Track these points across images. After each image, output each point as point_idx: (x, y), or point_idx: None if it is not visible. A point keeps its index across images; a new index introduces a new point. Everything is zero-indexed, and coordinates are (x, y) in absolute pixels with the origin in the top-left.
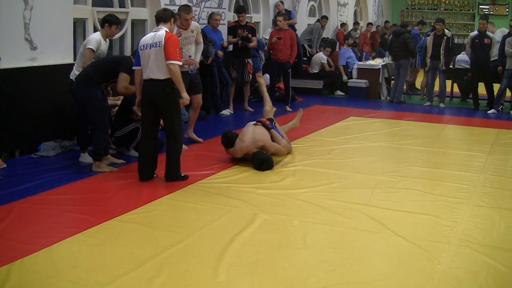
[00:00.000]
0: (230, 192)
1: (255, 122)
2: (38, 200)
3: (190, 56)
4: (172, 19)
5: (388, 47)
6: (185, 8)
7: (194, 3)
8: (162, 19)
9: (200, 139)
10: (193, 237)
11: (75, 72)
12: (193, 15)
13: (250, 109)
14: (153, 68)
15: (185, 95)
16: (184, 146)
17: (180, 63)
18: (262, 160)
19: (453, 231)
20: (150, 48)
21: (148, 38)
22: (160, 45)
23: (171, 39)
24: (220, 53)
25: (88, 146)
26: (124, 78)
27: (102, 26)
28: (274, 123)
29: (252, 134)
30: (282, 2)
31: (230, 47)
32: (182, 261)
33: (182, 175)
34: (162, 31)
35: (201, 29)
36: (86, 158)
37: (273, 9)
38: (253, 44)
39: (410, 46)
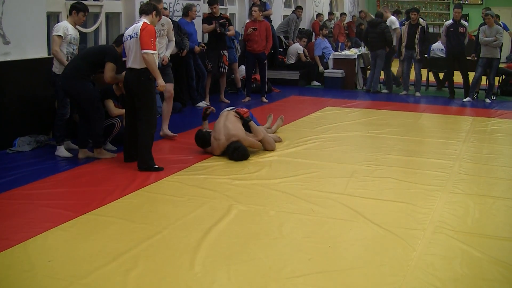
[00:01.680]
0: (206, 183)
1: (229, 109)
2: (13, 195)
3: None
4: (154, 12)
5: (364, 37)
6: None
7: None
8: (144, 11)
9: (175, 135)
10: (169, 229)
11: (56, 65)
12: (164, 7)
13: (227, 100)
14: (131, 58)
15: (160, 81)
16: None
17: (155, 52)
18: (234, 148)
19: (428, 218)
20: (130, 39)
21: (130, 30)
22: (136, 36)
23: (147, 29)
24: (197, 48)
25: (64, 139)
26: (111, 68)
27: (70, 13)
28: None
29: (225, 129)
30: None
31: (205, 38)
32: (158, 254)
33: (156, 166)
34: (140, 23)
35: (177, 22)
36: (62, 151)
37: (248, 0)
38: (231, 32)
39: (387, 36)
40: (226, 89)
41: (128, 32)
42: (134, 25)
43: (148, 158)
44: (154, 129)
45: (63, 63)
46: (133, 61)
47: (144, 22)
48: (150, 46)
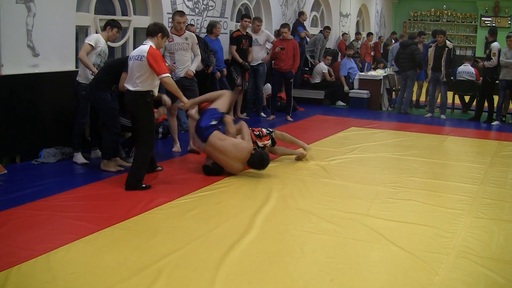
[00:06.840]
0: (229, 201)
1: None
2: (37, 206)
3: (174, 63)
4: (160, 34)
5: (395, 59)
6: (179, 12)
7: (196, 12)
8: (149, 33)
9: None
10: (191, 245)
11: (80, 74)
12: (186, 21)
13: (242, 116)
14: (129, 80)
15: (184, 99)
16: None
17: (169, 75)
18: (259, 157)
19: (452, 242)
20: (133, 60)
21: (136, 51)
22: (140, 59)
23: (153, 55)
24: (218, 74)
25: (81, 146)
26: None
27: (103, 29)
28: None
29: (231, 154)
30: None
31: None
32: (179, 269)
33: (143, 185)
34: (146, 46)
35: (203, 39)
36: (79, 158)
37: (276, 18)
38: (250, 57)
39: (417, 58)
40: (250, 107)
41: (134, 53)
42: (141, 46)
43: (136, 180)
44: (150, 152)
45: (88, 66)
46: (129, 83)
47: (150, 46)
48: (163, 70)
